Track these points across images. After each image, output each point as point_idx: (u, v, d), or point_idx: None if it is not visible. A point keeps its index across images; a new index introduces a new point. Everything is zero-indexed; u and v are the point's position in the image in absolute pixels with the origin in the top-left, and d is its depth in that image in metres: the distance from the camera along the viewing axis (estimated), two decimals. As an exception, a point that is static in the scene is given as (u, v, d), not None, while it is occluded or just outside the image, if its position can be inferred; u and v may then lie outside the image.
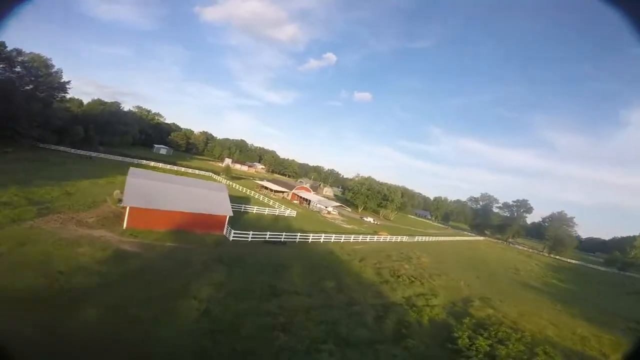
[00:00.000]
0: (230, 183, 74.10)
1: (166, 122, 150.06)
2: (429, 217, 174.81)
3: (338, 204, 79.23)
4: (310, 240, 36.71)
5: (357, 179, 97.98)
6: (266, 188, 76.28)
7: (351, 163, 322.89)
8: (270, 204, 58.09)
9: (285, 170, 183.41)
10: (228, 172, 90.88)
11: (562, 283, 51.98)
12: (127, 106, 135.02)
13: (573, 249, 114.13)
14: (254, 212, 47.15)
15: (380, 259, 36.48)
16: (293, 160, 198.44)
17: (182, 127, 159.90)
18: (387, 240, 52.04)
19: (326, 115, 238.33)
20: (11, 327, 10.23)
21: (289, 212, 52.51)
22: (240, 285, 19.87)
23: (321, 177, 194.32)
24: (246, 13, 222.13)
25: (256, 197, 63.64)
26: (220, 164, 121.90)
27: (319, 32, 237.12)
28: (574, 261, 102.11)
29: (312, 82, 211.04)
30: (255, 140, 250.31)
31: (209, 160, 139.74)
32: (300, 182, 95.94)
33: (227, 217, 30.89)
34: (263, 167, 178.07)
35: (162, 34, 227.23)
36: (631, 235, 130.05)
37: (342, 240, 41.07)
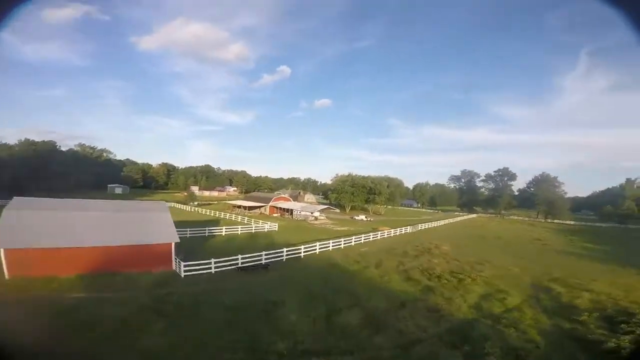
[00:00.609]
0: (197, 209, 62.66)
1: (117, 158, 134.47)
2: (416, 205, 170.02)
3: (324, 206, 69.76)
4: (302, 254, 26.81)
5: (338, 178, 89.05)
6: (239, 207, 65.33)
7: (326, 170, 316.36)
8: (245, 221, 47.56)
9: (259, 188, 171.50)
10: (193, 199, 78.94)
11: (597, 245, 45.55)
12: (71, 146, 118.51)
13: (567, 210, 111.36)
14: (223, 234, 36.51)
15: (398, 258, 27.42)
16: (266, 176, 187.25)
17: (139, 162, 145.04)
18: (392, 235, 43.21)
19: (291, 127, 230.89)
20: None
21: (269, 227, 42.30)
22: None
23: (299, 187, 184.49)
24: (186, 38, 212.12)
25: (228, 217, 52.70)
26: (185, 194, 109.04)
27: (268, 48, 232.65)
28: (572, 222, 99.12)
29: (269, 97, 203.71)
30: (223, 163, 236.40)
31: (174, 192, 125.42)
32: (278, 193, 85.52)
33: (172, 244, 20.41)
34: (235, 189, 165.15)
35: (99, 70, 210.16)
36: (606, 188, 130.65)
37: (342, 246, 31.58)
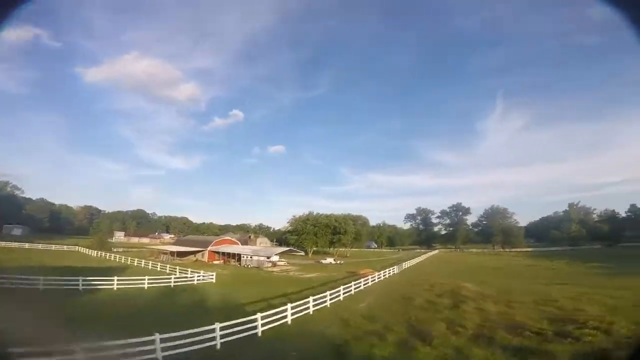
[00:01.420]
0: (107, 255, 44.44)
1: (26, 196, 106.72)
2: (374, 246, 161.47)
3: (284, 248, 55.55)
4: (259, 327, 12.93)
5: (297, 218, 75.97)
6: (165, 252, 47.88)
7: (280, 218, 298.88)
8: (167, 270, 31.58)
9: (202, 234, 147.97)
10: (102, 245, 59.14)
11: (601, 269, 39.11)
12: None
13: (522, 238, 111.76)
14: (115, 288, 20.81)
15: (433, 315, 15.43)
16: (211, 222, 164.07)
17: (56, 203, 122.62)
18: (382, 278, 31.31)
19: (243, 173, 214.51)
20: None
21: (202, 278, 27.25)
22: None
23: (250, 232, 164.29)
24: (137, 73, 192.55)
25: (144, 265, 35.71)
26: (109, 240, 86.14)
27: (221, 90, 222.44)
28: (530, 249, 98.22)
29: (220, 142, 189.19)
30: (162, 210, 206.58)
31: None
32: (222, 237, 68.65)
33: None
34: (172, 236, 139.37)
35: (37, 100, 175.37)
36: (540, 217, 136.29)
37: (328, 303, 18.33)
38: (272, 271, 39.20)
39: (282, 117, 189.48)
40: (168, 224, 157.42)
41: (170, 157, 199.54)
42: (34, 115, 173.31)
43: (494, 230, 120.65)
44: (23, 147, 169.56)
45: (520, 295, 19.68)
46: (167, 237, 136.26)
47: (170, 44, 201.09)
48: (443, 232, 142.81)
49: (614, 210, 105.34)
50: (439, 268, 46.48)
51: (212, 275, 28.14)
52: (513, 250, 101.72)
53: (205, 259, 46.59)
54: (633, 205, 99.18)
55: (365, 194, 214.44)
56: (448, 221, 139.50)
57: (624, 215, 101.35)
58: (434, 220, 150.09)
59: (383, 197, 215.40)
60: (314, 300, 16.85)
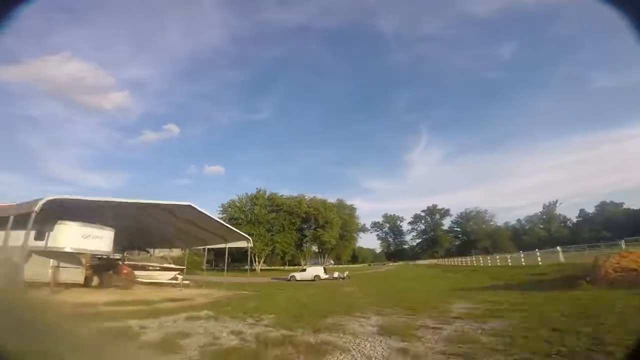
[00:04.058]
0: None
1: None
2: (331, 263, 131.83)
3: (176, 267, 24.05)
4: None
5: (237, 200, 44.32)
6: None
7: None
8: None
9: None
10: None
11: None
12: None
13: (509, 240, 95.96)
14: None
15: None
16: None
17: None
18: None
19: (174, 195, 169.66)
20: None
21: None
22: None
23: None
24: (60, 75, 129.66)
25: None
26: None
27: (156, 104, 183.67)
28: (522, 254, 79.76)
29: (149, 158, 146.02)
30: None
31: None
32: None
33: None
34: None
35: None
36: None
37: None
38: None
39: (222, 137, 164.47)
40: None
41: (87, 173, 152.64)
42: None
43: (477, 235, 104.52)
44: None
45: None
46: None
47: (105, 50, 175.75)
48: (418, 241, 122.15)
49: (565, 216, 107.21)
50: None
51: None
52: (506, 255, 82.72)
53: None
54: (582, 211, 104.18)
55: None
56: (422, 227, 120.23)
57: (574, 220, 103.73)
58: (406, 228, 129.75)
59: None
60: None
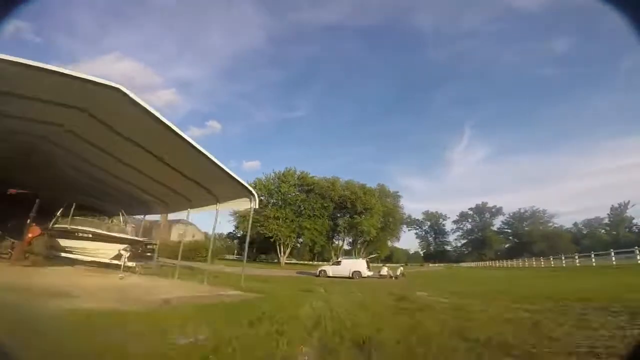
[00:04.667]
0: None
1: None
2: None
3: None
4: None
5: (265, 178, 37.92)
6: None
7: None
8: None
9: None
10: None
11: None
12: None
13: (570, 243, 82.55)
14: None
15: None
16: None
17: None
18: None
19: None
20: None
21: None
22: None
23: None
24: (114, 74, 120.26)
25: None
26: None
27: (199, 102, 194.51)
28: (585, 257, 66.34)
29: None
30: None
31: None
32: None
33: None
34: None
35: None
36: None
37: None
38: None
39: (260, 134, 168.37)
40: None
41: None
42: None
43: (533, 237, 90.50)
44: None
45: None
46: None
47: (153, 51, 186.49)
48: (463, 242, 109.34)
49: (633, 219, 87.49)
50: None
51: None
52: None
53: None
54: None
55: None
56: (469, 226, 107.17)
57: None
58: (449, 227, 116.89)
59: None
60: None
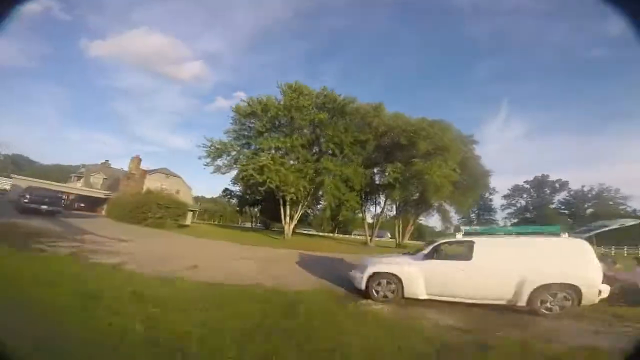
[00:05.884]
0: None
1: None
2: (382, 236, 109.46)
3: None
4: None
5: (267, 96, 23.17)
6: None
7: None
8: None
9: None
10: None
11: None
12: None
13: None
14: None
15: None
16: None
17: None
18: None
19: None
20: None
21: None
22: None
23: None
24: (142, 48, 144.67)
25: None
26: None
27: (226, 74, 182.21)
28: None
29: (222, 123, 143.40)
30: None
31: None
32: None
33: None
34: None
35: (42, 73, 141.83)
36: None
37: None
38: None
39: None
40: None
41: (170, 136, 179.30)
42: (38, 88, 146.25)
43: (607, 224, 70.49)
44: (22, 119, 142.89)
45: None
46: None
47: (180, 24, 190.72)
48: (513, 221, 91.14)
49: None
50: None
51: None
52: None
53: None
54: None
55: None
56: (523, 203, 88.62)
57: None
58: (498, 202, 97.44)
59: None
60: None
